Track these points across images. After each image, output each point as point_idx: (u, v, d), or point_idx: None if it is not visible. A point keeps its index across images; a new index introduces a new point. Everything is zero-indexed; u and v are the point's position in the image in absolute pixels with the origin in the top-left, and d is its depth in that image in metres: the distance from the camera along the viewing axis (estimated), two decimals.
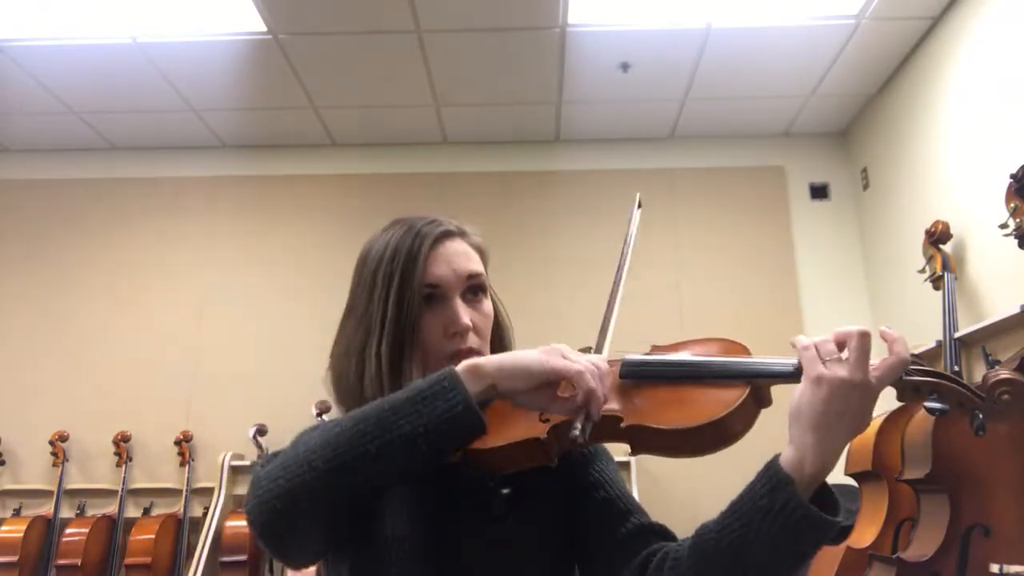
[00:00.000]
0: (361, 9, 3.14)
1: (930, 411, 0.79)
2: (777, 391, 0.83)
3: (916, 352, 2.75)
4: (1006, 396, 0.77)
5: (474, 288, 0.99)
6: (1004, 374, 0.80)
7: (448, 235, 0.99)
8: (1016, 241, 2.40)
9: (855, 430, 0.76)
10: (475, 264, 0.99)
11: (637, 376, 0.88)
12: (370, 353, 0.94)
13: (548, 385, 0.80)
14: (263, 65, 3.51)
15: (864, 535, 2.48)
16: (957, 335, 2.78)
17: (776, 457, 0.78)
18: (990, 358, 2.65)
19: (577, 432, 0.78)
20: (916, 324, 3.28)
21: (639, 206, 1.07)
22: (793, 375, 0.79)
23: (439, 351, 0.95)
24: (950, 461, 2.06)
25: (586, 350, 0.95)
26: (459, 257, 0.98)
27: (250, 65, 3.53)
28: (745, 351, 0.87)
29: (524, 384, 0.80)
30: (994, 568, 1.93)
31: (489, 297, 1.02)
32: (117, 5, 3.12)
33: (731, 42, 3.37)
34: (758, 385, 0.81)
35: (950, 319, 2.80)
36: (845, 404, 0.74)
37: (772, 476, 0.76)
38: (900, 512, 2.46)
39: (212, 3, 3.12)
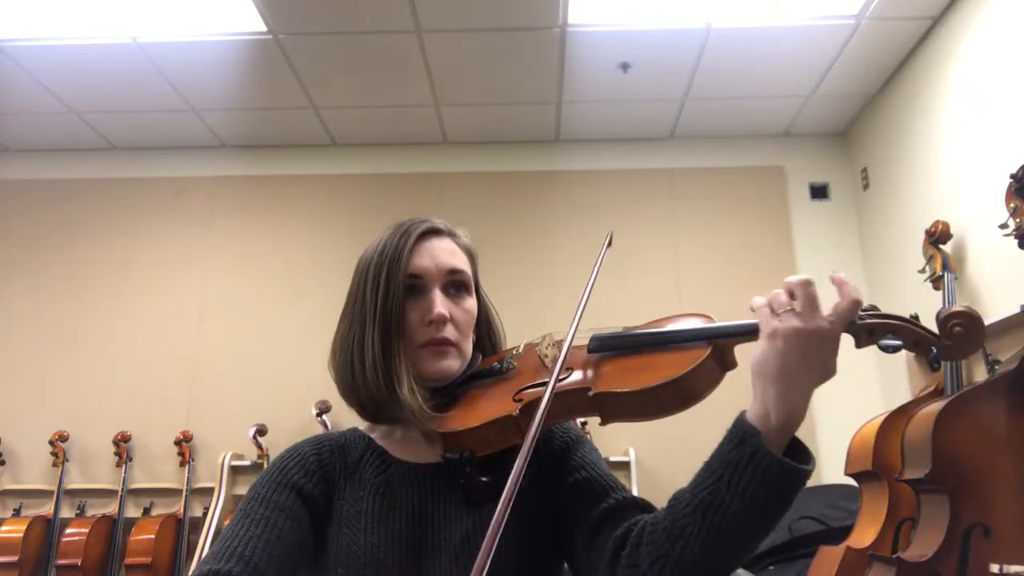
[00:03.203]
0: (361, 9, 3.14)
1: (884, 348, 0.80)
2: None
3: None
4: (958, 328, 0.79)
5: (456, 284, 1.02)
6: (956, 308, 0.81)
7: (435, 232, 1.03)
8: (1016, 241, 2.40)
9: (819, 378, 0.77)
10: (458, 261, 1.03)
11: (603, 349, 0.92)
12: (365, 345, 0.97)
13: None
14: (263, 65, 3.51)
15: (864, 535, 2.48)
16: None
17: (742, 413, 0.79)
18: (990, 358, 2.65)
19: None
20: None
21: (609, 244, 1.06)
22: (751, 332, 0.82)
23: (417, 340, 0.98)
24: (950, 461, 2.06)
25: (547, 336, 0.99)
26: (442, 252, 1.01)
27: (250, 65, 3.52)
28: (711, 321, 0.91)
29: None
30: (994, 568, 1.93)
31: (474, 296, 1.05)
32: (117, 5, 3.12)
33: (731, 42, 3.37)
34: (720, 346, 0.84)
35: None
36: (803, 352, 0.75)
37: (738, 430, 0.77)
38: (900, 512, 2.45)
39: (212, 3, 3.12)
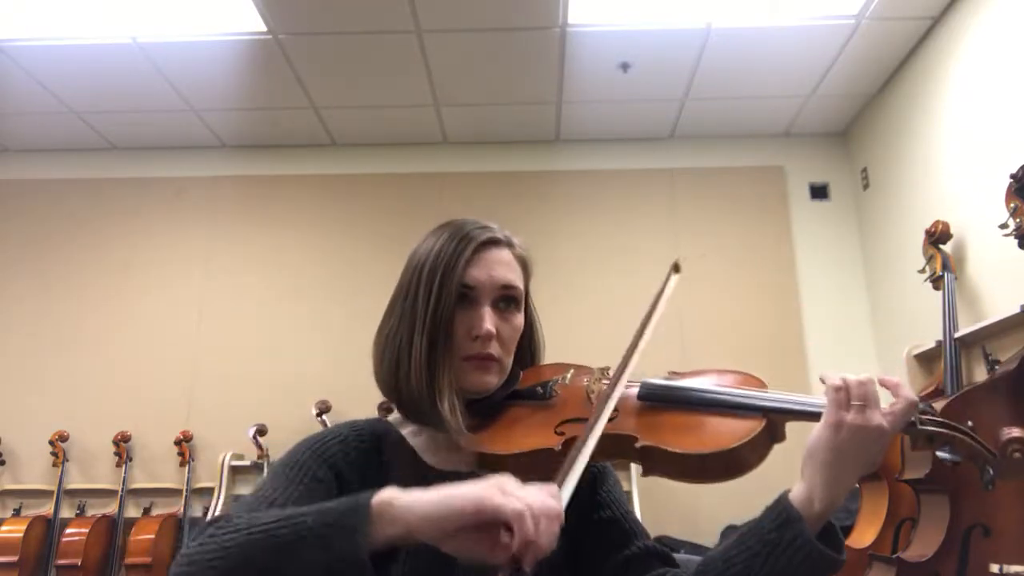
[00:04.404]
0: (361, 9, 3.14)
1: (941, 459, 0.80)
2: (790, 427, 0.85)
3: (916, 352, 2.72)
4: (1017, 454, 0.79)
5: (507, 298, 1.00)
6: (1016, 432, 0.81)
7: (494, 242, 1.01)
8: (1016, 241, 2.40)
9: (864, 471, 0.79)
10: (513, 275, 1.01)
11: (656, 399, 0.90)
12: (412, 348, 0.96)
13: (485, 528, 0.67)
14: (263, 65, 3.51)
15: (864, 535, 2.48)
16: (957, 335, 2.78)
17: (785, 493, 0.80)
18: (990, 358, 2.65)
19: None
20: (916, 324, 3.28)
21: (676, 271, 1.00)
22: (809, 415, 0.81)
23: (461, 352, 0.97)
24: None
25: (603, 370, 0.97)
26: (499, 265, 1.00)
27: (250, 65, 3.52)
28: (761, 385, 0.89)
29: (450, 527, 0.67)
30: (994, 568, 1.93)
31: (522, 312, 1.04)
32: (117, 5, 3.12)
33: (731, 42, 3.37)
34: (773, 420, 0.83)
35: (950, 319, 2.80)
36: (860, 447, 0.77)
37: (782, 512, 0.78)
38: (900, 512, 2.45)
39: (212, 3, 3.12)
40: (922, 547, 2.08)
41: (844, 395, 0.78)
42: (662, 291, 0.94)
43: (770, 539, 0.77)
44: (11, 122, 4.04)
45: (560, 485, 0.73)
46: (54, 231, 4.16)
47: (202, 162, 4.29)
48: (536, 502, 0.66)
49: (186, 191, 4.23)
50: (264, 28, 3.25)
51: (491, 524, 0.66)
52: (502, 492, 0.67)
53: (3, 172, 4.27)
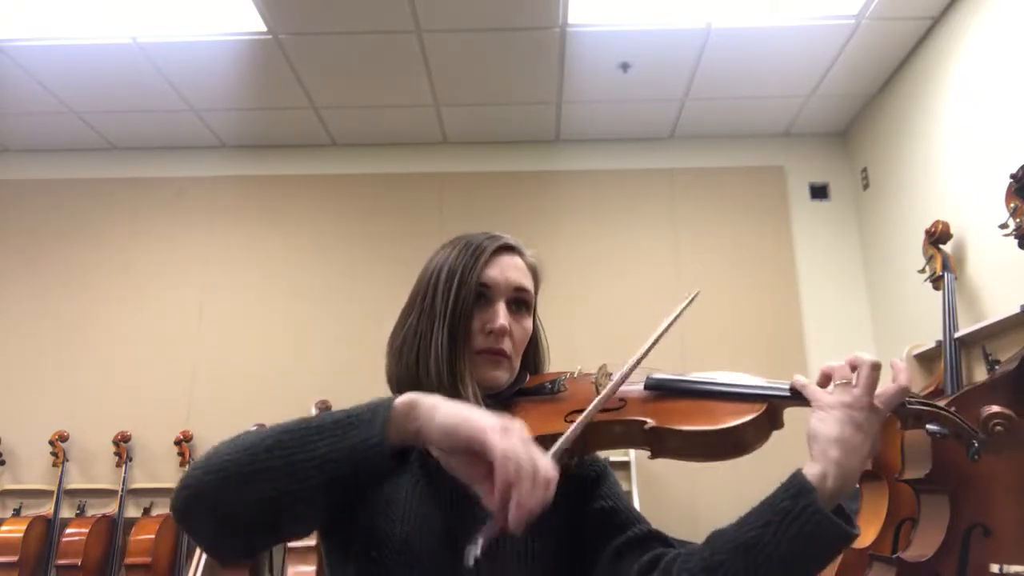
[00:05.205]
0: (361, 9, 3.14)
1: (931, 433, 0.84)
2: (788, 424, 0.89)
3: (916, 352, 2.73)
4: (999, 427, 0.83)
5: (519, 301, 1.05)
6: (995, 408, 0.85)
7: (508, 249, 1.07)
8: (1016, 241, 2.40)
9: (870, 451, 0.81)
10: (526, 280, 1.07)
11: (662, 389, 0.95)
12: (433, 341, 1.00)
13: (482, 461, 0.72)
14: (263, 65, 3.51)
15: (864, 535, 2.48)
16: (957, 335, 2.78)
17: (799, 470, 0.82)
18: (990, 358, 2.65)
19: (472, 551, 0.69)
20: (916, 324, 3.28)
21: (693, 299, 1.09)
22: (806, 399, 0.85)
23: (475, 346, 1.01)
24: (950, 461, 2.06)
25: (603, 373, 1.00)
26: (513, 269, 1.06)
27: (250, 65, 3.53)
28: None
29: (448, 443, 0.74)
30: (994, 568, 1.93)
31: (532, 317, 1.08)
32: (117, 5, 3.12)
33: (731, 42, 3.37)
34: (774, 405, 0.87)
35: (950, 319, 2.80)
36: (857, 424, 0.79)
37: (796, 483, 0.80)
38: (900, 512, 2.46)
39: (212, 3, 3.12)
40: (922, 547, 2.08)
41: (813, 387, 0.83)
42: (679, 315, 1.01)
43: (783, 508, 0.79)
44: (11, 122, 4.04)
45: (569, 429, 0.79)
46: (54, 231, 4.16)
47: (202, 162, 4.29)
48: (529, 458, 0.70)
49: (186, 191, 4.23)
50: (264, 28, 3.25)
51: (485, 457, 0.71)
52: (503, 433, 0.71)
53: (3, 172, 4.28)
